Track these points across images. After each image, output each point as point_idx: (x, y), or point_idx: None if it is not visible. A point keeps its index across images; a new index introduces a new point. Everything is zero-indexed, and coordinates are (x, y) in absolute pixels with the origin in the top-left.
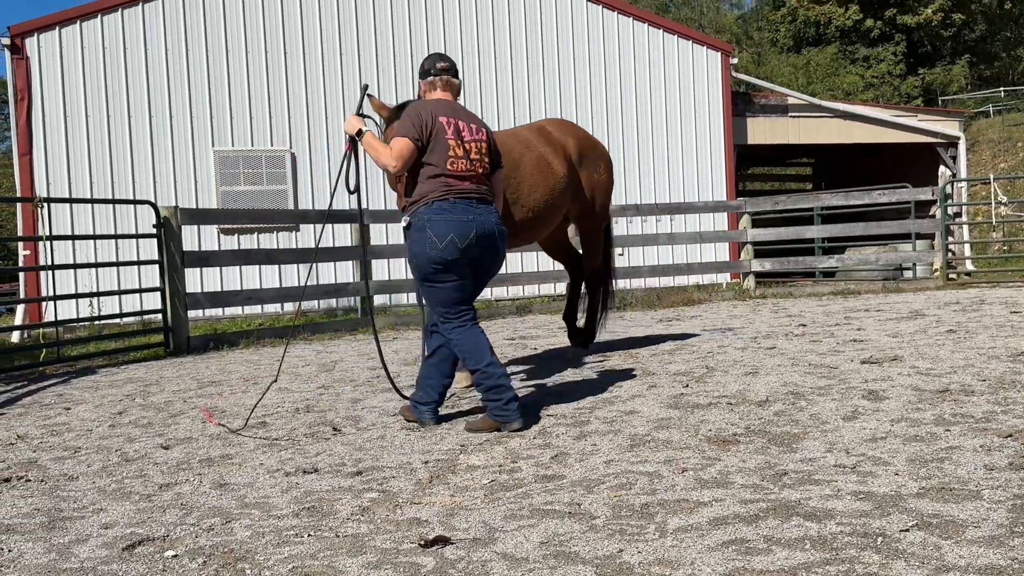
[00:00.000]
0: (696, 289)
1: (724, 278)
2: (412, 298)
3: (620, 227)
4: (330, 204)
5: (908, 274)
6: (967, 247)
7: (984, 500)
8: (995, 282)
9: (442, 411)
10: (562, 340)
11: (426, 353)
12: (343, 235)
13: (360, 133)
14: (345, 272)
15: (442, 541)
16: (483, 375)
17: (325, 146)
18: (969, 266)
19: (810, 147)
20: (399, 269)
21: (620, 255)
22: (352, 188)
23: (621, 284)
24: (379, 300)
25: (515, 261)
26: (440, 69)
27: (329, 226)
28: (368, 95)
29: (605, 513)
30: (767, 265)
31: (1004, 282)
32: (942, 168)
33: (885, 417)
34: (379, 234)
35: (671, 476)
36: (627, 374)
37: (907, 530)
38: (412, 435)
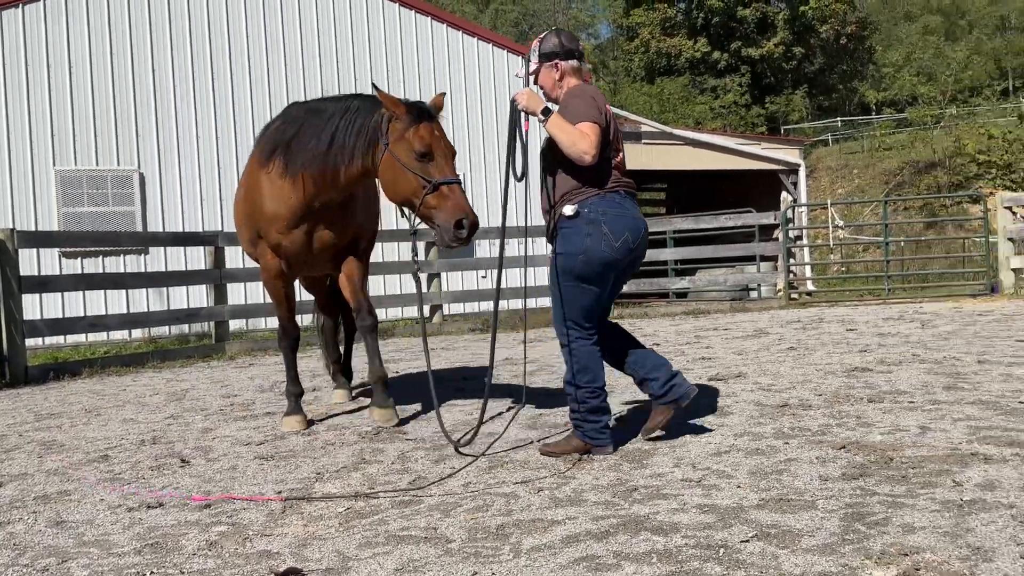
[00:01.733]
0: None
1: None
2: (271, 322)
3: (484, 250)
4: (505, 200)
5: (754, 294)
6: (808, 268)
7: (819, 510)
8: (833, 301)
9: (310, 435)
10: (423, 363)
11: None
12: (196, 258)
13: (547, 112)
14: (198, 296)
15: (294, 573)
16: (590, 393)
17: (176, 165)
18: (810, 286)
19: (663, 172)
20: (256, 293)
21: (484, 277)
22: (520, 176)
23: (485, 306)
24: (235, 325)
25: (376, 284)
26: (582, 53)
27: (180, 249)
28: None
29: (461, 536)
30: (631, 286)
31: (842, 301)
32: (784, 193)
33: (729, 432)
34: (234, 257)
35: (527, 496)
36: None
37: (747, 541)
38: (266, 465)
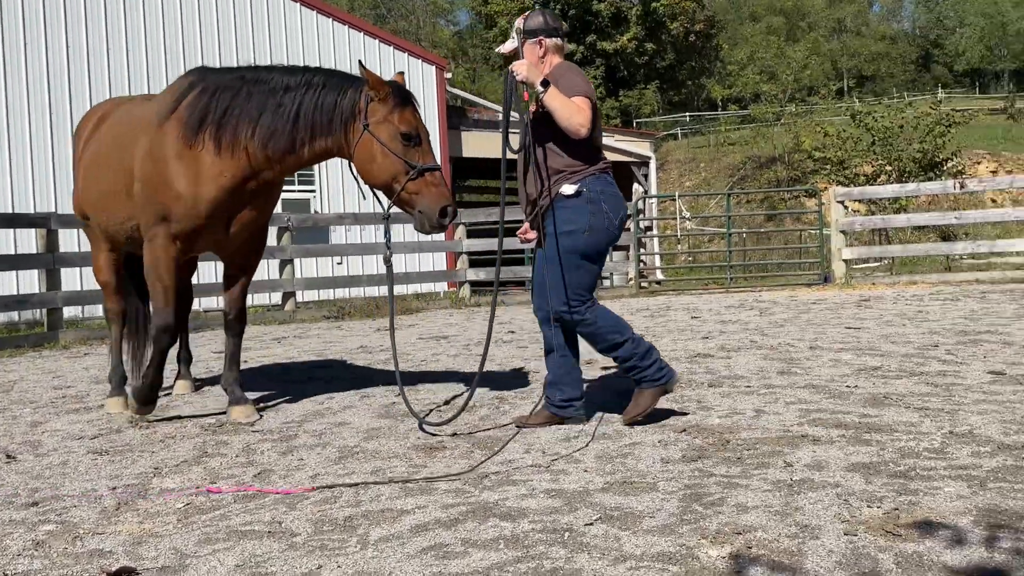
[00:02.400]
0: (415, 298)
1: (442, 287)
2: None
3: (339, 236)
4: (504, 170)
5: (606, 283)
6: (657, 258)
7: (660, 492)
8: (680, 290)
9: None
10: (275, 352)
11: (549, 349)
12: (27, 241)
13: (546, 84)
14: (29, 282)
15: (127, 572)
16: (633, 344)
17: (5, 144)
18: (659, 275)
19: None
20: (92, 278)
21: (339, 264)
22: (518, 149)
23: (340, 293)
24: (69, 312)
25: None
26: (565, 32)
27: (9, 231)
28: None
29: (307, 530)
30: (482, 274)
31: (688, 290)
32: (636, 185)
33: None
34: (68, 240)
35: (376, 487)
36: (341, 384)
37: (591, 524)
38: (100, 460)
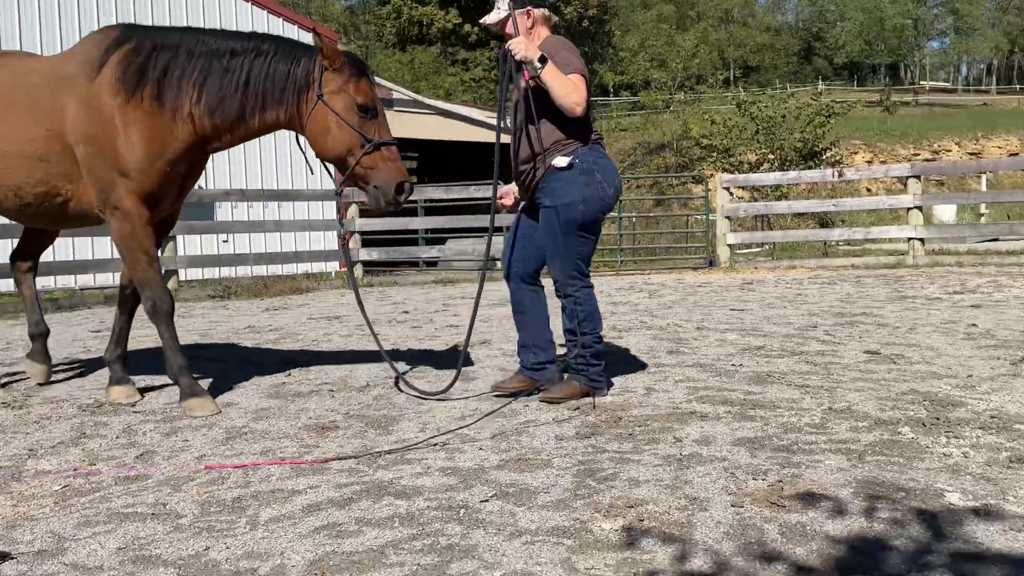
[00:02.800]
0: (305, 278)
1: (333, 267)
2: None
3: (225, 212)
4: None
5: (499, 264)
6: None
7: (554, 468)
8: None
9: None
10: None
11: (521, 311)
12: None
13: (543, 60)
14: None
15: (1, 557)
16: (596, 339)
17: None
18: None
19: (415, 141)
20: None
21: (225, 242)
22: (519, 127)
23: (227, 272)
24: None
25: (103, 246)
26: (553, 3)
27: None
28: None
29: (193, 511)
30: (374, 254)
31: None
32: None
33: (473, 395)
34: None
35: (267, 467)
36: (228, 364)
37: (487, 500)
38: None
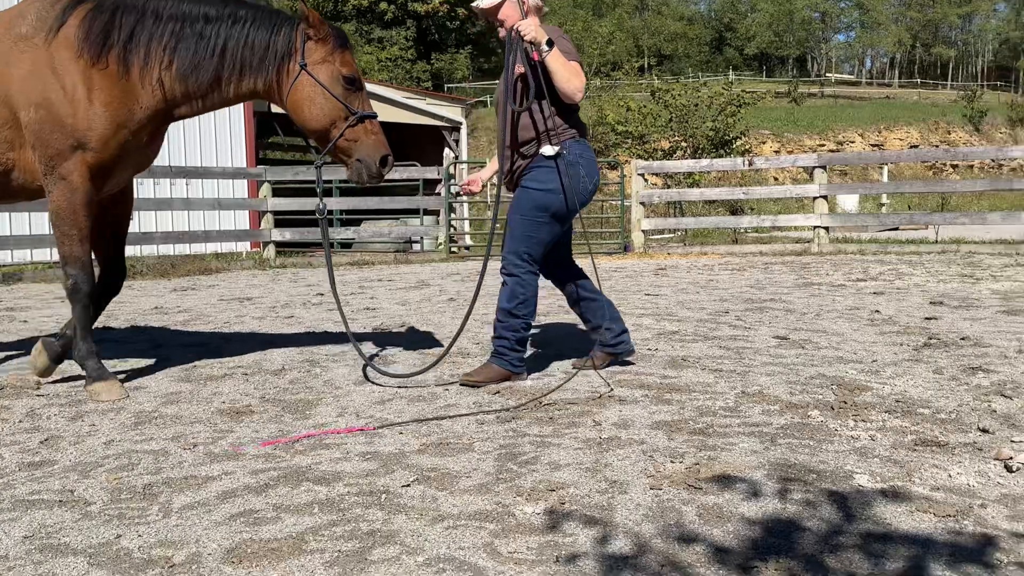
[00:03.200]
0: (215, 258)
1: (244, 247)
2: None
3: None
4: (512, 117)
5: (417, 247)
6: (467, 224)
7: (475, 452)
8: (491, 256)
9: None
10: (61, 312)
11: (575, 300)
12: None
13: (550, 44)
14: None
15: None
16: (524, 326)
17: None
18: (468, 241)
19: None
20: None
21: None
22: (526, 107)
23: (131, 251)
24: None
25: (2, 222)
26: None
27: None
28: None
29: (103, 498)
30: (287, 235)
31: (496, 256)
32: (447, 150)
33: (392, 381)
34: None
35: (179, 452)
36: (135, 346)
37: (408, 485)
38: None
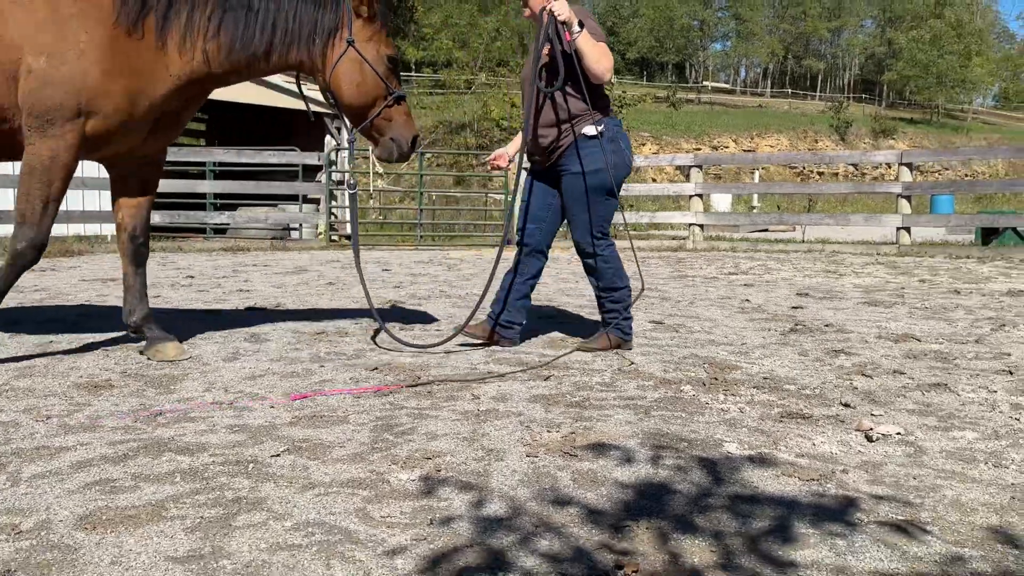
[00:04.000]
0: (76, 240)
1: (110, 229)
2: None
3: None
4: (536, 105)
5: (295, 234)
6: (347, 212)
7: (351, 424)
8: (371, 245)
9: None
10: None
11: (515, 273)
12: None
13: (581, 25)
14: None
15: None
16: (626, 292)
17: None
18: (348, 229)
19: (207, 103)
20: None
21: None
22: (558, 86)
23: None
24: None
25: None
26: None
27: None
28: None
29: None
30: (157, 218)
31: (379, 246)
32: (328, 137)
33: (265, 357)
34: None
35: (31, 424)
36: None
37: (278, 455)
38: None
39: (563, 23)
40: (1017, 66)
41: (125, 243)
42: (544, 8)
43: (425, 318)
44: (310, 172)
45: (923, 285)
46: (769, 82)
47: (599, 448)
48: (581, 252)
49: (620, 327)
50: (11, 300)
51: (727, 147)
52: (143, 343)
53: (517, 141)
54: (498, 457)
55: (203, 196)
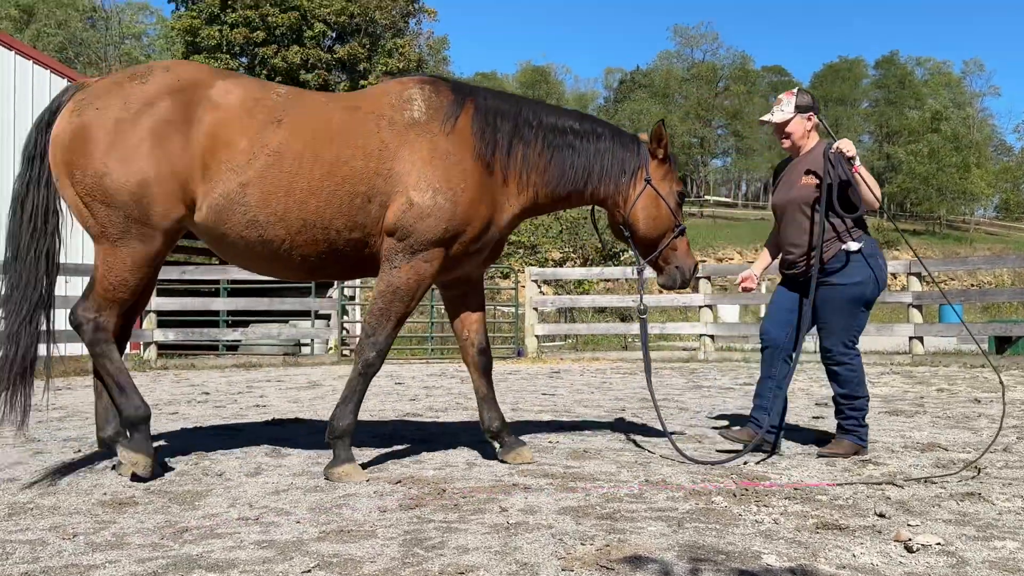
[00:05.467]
0: (89, 359)
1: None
2: None
3: None
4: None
5: (307, 350)
6: (359, 327)
7: (379, 538)
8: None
9: None
10: None
11: (767, 377)
12: None
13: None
14: None
15: None
16: (865, 402)
17: None
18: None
19: None
20: None
21: None
22: (857, 214)
23: None
24: None
25: None
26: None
27: None
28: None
29: None
30: (171, 336)
31: (390, 359)
32: None
33: (288, 471)
34: None
35: (58, 542)
36: (4, 441)
37: (309, 571)
38: None
39: (850, 159)
40: (1016, 177)
41: (474, 357)
42: (831, 145)
43: (447, 435)
44: (322, 288)
45: (942, 394)
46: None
47: (636, 561)
48: (829, 359)
49: (858, 434)
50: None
51: (731, 259)
52: (159, 462)
53: (763, 260)
54: (533, 571)
55: (216, 313)
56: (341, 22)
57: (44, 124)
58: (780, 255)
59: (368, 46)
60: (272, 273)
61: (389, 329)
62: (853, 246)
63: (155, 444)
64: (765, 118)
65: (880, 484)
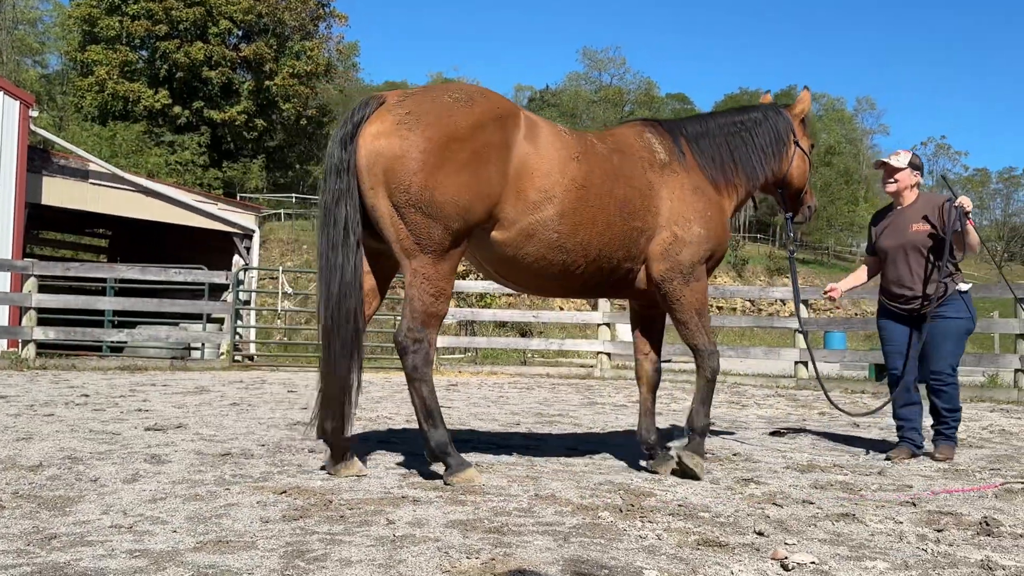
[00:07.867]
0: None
1: (0, 345)
2: None
3: None
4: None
5: (197, 354)
6: (252, 332)
7: (259, 549)
8: (276, 366)
9: None
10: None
11: (910, 402)
12: None
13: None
14: None
15: None
16: (960, 413)
17: None
18: (253, 350)
19: (111, 218)
20: None
21: None
22: (962, 258)
23: None
24: None
25: None
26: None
27: None
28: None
29: None
30: (52, 334)
31: (284, 366)
32: (236, 257)
33: (167, 479)
34: None
35: None
36: None
37: None
38: None
39: (966, 214)
40: None
41: (648, 372)
42: (949, 200)
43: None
44: (216, 291)
45: (823, 417)
46: None
47: (520, 575)
48: (938, 380)
49: (952, 438)
50: None
51: None
52: (31, 466)
53: (851, 280)
54: None
55: (102, 313)
56: (248, 21)
57: (348, 138)
58: (886, 289)
59: (275, 47)
60: (547, 292)
61: (712, 338)
62: (964, 287)
63: (31, 444)
64: (883, 159)
65: (761, 503)
